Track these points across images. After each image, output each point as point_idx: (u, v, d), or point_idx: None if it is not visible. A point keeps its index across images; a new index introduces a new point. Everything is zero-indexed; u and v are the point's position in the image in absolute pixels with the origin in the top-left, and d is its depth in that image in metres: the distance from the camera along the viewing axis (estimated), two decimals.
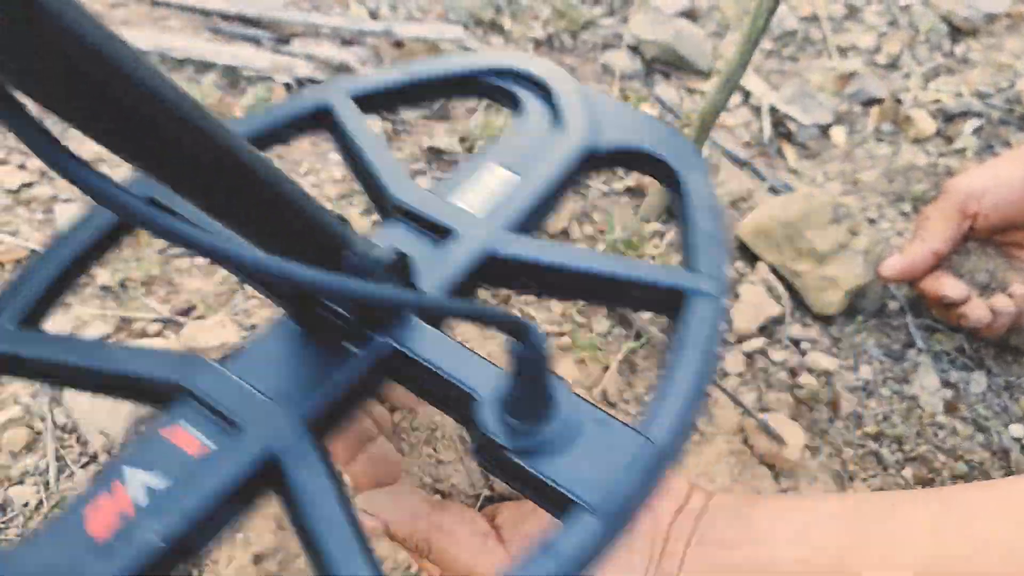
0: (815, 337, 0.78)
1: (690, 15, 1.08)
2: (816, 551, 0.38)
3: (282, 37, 0.97)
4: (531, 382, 0.34)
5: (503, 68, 0.53)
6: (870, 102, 1.02)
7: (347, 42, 0.98)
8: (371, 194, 0.48)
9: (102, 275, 0.72)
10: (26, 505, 0.60)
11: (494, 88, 0.53)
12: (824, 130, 0.98)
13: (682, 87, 1.00)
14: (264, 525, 0.61)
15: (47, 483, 0.62)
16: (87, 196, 0.23)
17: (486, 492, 0.49)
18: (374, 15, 1.04)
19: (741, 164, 0.92)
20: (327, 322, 0.38)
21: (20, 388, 0.65)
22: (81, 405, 0.64)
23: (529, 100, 0.52)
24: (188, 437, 0.35)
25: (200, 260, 0.76)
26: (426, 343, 0.38)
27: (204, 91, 0.87)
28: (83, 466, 0.63)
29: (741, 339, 0.76)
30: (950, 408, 0.74)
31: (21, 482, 0.62)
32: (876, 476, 0.70)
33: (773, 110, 0.97)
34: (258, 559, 0.60)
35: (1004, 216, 0.72)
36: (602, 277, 0.42)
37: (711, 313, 0.40)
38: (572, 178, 0.48)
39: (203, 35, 0.97)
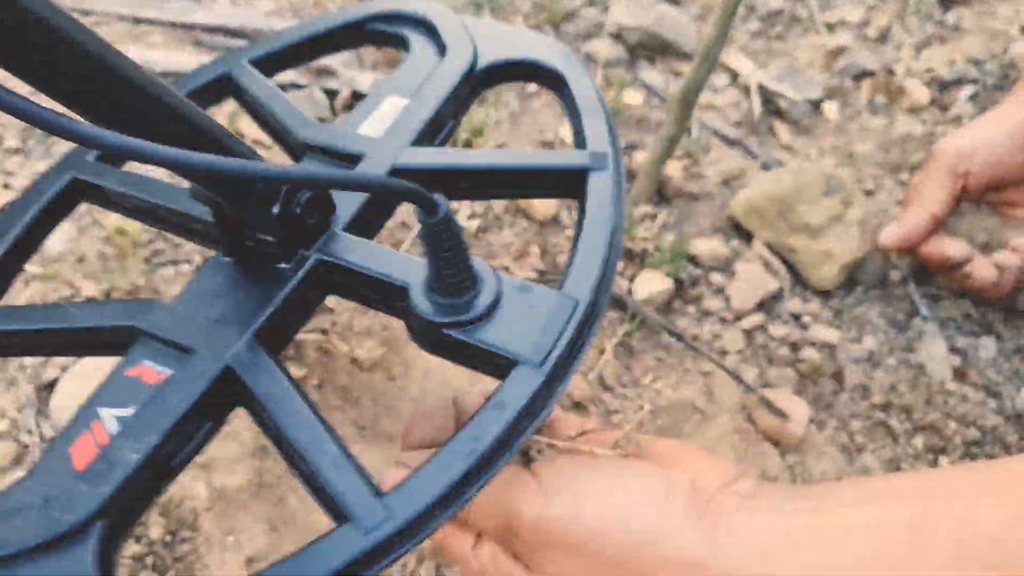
0: (816, 311, 0.76)
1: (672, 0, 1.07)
2: (886, 514, 0.36)
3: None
4: (449, 256, 0.36)
5: (389, 13, 0.56)
6: (861, 75, 1.00)
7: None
8: (282, 143, 0.51)
9: (87, 287, 0.72)
10: None
11: (383, 34, 0.57)
12: (816, 106, 0.97)
13: (668, 71, 0.99)
14: (256, 528, 0.60)
15: None
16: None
17: None
18: None
19: (732, 143, 0.91)
20: (257, 251, 0.41)
21: (7, 403, 0.64)
22: (65, 414, 0.63)
23: (416, 39, 0.55)
24: (147, 370, 0.38)
25: (185, 267, 0.75)
26: (351, 249, 0.41)
27: None
28: None
29: (739, 316, 0.74)
30: (959, 375, 0.72)
31: None
32: (885, 447, 0.68)
33: (762, 89, 0.96)
34: (250, 561, 0.58)
35: (995, 173, 0.70)
36: (504, 170, 0.46)
37: (608, 181, 0.43)
38: (460, 94, 0.52)
39: (186, 49, 0.97)
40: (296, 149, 0.49)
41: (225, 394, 0.38)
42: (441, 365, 0.70)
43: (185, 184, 0.42)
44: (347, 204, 0.44)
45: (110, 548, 0.33)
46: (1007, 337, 0.75)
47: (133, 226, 0.75)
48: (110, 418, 0.36)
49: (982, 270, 0.71)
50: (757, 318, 0.74)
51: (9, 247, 0.46)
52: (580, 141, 0.46)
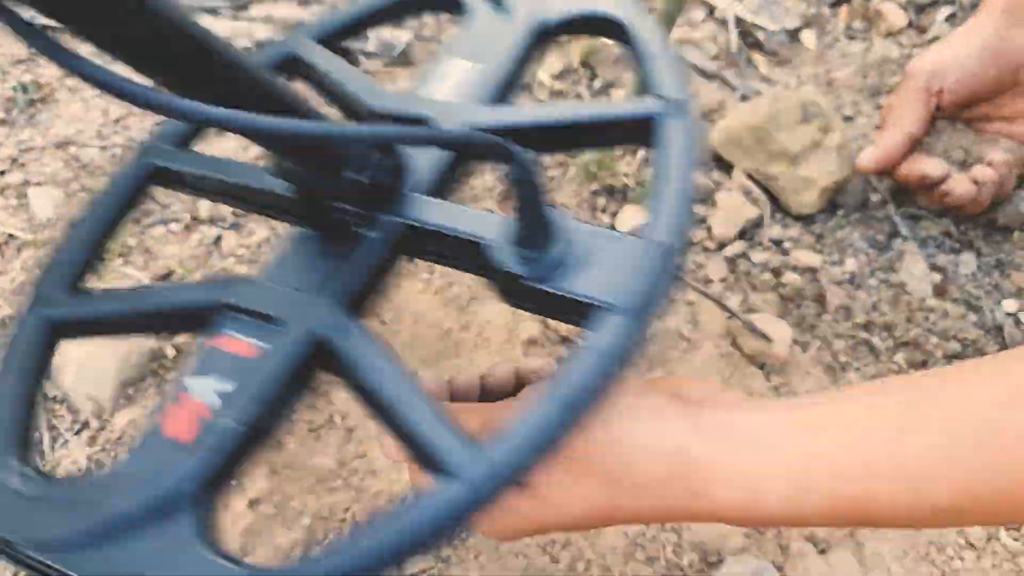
0: (797, 236, 0.77)
1: None
2: (875, 404, 0.35)
3: (239, 3, 0.97)
4: (530, 208, 0.37)
5: None
6: (838, 3, 1.00)
7: (304, 1, 0.97)
8: (353, 115, 0.51)
9: None
10: None
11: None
12: (793, 35, 0.97)
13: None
14: (258, 472, 0.62)
15: (42, 452, 0.62)
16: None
17: None
18: None
19: (711, 77, 0.91)
20: (337, 220, 0.42)
21: None
22: (69, 375, 0.65)
23: (473, 1, 0.54)
24: (238, 343, 0.38)
25: (175, 227, 0.76)
26: (429, 210, 0.42)
27: None
28: (76, 432, 0.64)
29: (722, 245, 0.75)
30: (939, 291, 0.74)
31: None
32: (869, 365, 0.69)
33: (739, 20, 0.96)
34: (253, 504, 0.60)
35: (969, 89, 0.71)
36: (578, 123, 0.45)
37: (683, 127, 0.43)
38: (528, 54, 0.51)
39: None
40: (367, 120, 0.49)
41: (317, 361, 0.38)
42: (430, 309, 0.72)
43: (258, 161, 0.42)
44: (423, 167, 0.44)
45: (211, 515, 0.34)
46: (986, 252, 0.77)
47: None
48: (208, 391, 0.37)
49: (960, 186, 0.71)
50: (739, 246, 0.75)
51: (94, 244, 0.47)
52: (650, 89, 0.46)
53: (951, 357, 0.69)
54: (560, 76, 0.91)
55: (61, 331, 0.43)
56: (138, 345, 0.65)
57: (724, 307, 0.70)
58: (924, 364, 0.69)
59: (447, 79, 0.50)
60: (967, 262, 0.76)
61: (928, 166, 0.72)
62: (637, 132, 0.44)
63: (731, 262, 0.75)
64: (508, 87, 0.50)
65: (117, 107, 0.85)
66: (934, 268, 0.75)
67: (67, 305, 0.43)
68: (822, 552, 0.58)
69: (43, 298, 0.44)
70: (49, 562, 0.32)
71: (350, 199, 0.41)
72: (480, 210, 0.41)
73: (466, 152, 0.46)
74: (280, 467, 0.63)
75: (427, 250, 0.43)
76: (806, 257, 0.75)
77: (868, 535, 0.59)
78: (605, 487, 0.37)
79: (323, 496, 0.62)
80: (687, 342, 0.70)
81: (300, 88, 0.43)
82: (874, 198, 0.80)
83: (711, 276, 0.73)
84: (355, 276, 0.40)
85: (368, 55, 0.91)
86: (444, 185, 0.46)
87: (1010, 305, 0.73)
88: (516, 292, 0.39)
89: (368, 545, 0.31)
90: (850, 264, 0.75)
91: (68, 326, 0.43)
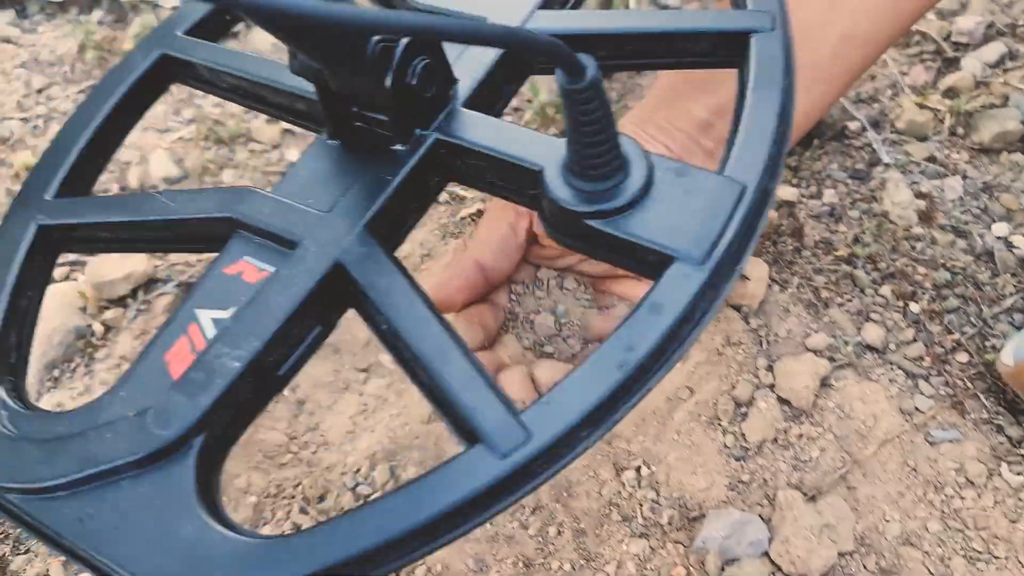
0: None
1: None
2: None
3: None
4: (594, 132, 0.31)
5: None
6: None
7: None
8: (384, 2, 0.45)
9: None
10: None
11: None
12: None
13: None
14: None
15: None
16: None
17: None
18: None
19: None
20: (368, 131, 0.37)
21: None
22: None
23: None
24: (248, 267, 0.34)
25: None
26: (474, 127, 0.36)
27: (89, 29, 0.81)
28: None
29: None
30: (925, 218, 0.69)
31: None
32: (853, 299, 0.65)
33: None
34: None
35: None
36: (653, 34, 0.38)
37: (776, 45, 0.36)
38: None
39: None
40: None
41: (335, 294, 0.34)
42: None
43: (285, 59, 0.37)
44: (468, 75, 0.39)
45: (210, 464, 0.30)
46: (972, 176, 0.72)
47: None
48: (207, 321, 0.33)
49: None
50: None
51: (93, 135, 0.42)
52: (739, 2, 0.40)
53: (941, 287, 0.65)
54: None
55: (53, 239, 0.39)
56: (62, 323, 0.60)
57: None
58: (912, 296, 0.64)
59: None
60: (953, 187, 0.71)
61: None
62: (726, 49, 0.38)
63: None
64: None
65: (40, 78, 0.79)
66: (919, 195, 0.71)
67: (58, 210, 0.39)
68: (811, 499, 0.54)
69: (29, 201, 0.39)
70: (31, 512, 0.29)
71: (385, 107, 0.35)
72: (535, 131, 0.35)
73: (520, 57, 0.40)
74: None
75: (470, 174, 0.37)
76: (781, 191, 0.70)
77: (860, 479, 0.55)
78: None
79: (271, 472, 0.57)
80: None
81: None
82: (852, 126, 0.75)
83: None
84: (384, 198, 0.35)
85: None
86: (489, 99, 0.40)
87: (1000, 228, 0.68)
88: (572, 231, 0.33)
89: (387, 518, 0.27)
90: (829, 196, 0.71)
91: (59, 232, 0.39)
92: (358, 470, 0.57)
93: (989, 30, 0.83)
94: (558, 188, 0.32)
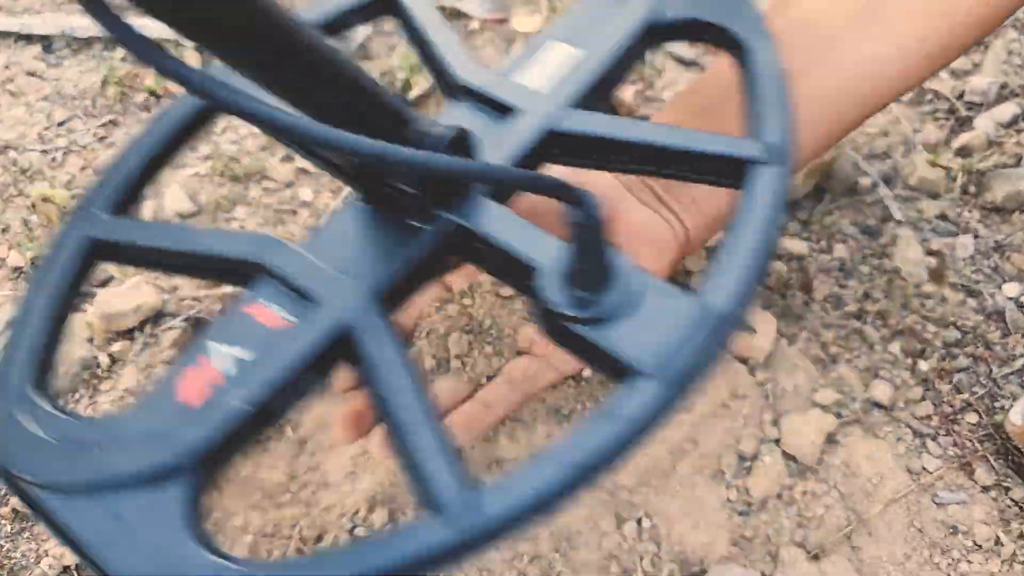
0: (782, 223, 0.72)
1: None
2: None
3: None
4: (589, 251, 0.34)
5: None
6: None
7: None
8: (436, 76, 0.48)
9: (12, 257, 0.68)
10: None
11: None
12: None
13: None
14: None
15: None
16: (176, 83, 0.26)
17: None
18: None
19: (688, 65, 0.87)
20: (395, 200, 0.40)
21: None
22: None
23: None
24: (269, 313, 0.37)
25: None
26: (490, 219, 0.40)
27: (113, 65, 0.83)
28: None
29: None
30: (936, 276, 0.69)
31: None
32: (861, 355, 0.64)
33: None
34: None
35: None
36: (664, 148, 0.42)
37: (774, 182, 0.39)
38: (635, 50, 0.49)
39: None
40: (451, 88, 0.47)
41: (339, 351, 0.37)
42: None
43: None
44: (493, 160, 0.43)
45: (199, 492, 0.33)
46: (984, 235, 0.72)
47: (58, 193, 0.71)
48: (223, 357, 0.36)
49: None
50: (720, 233, 0.70)
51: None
52: (752, 125, 0.42)
53: (950, 345, 0.64)
54: None
55: (101, 251, 0.42)
56: (68, 353, 0.60)
57: None
58: (922, 353, 0.64)
59: (545, 63, 0.47)
60: (964, 245, 0.71)
61: None
62: (727, 171, 0.41)
63: (712, 251, 0.70)
64: (608, 81, 0.47)
65: (62, 111, 0.80)
66: (930, 253, 0.70)
67: (104, 228, 0.43)
68: (815, 558, 0.53)
69: (86, 217, 0.43)
70: (51, 507, 0.32)
71: (410, 182, 0.39)
72: (542, 231, 0.39)
73: (541, 156, 0.44)
74: (223, 481, 0.58)
75: (478, 257, 0.41)
76: (792, 244, 0.70)
77: (865, 538, 0.54)
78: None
79: (269, 511, 0.56)
80: None
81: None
82: (864, 181, 0.75)
83: (691, 268, 0.69)
84: (397, 269, 0.39)
85: None
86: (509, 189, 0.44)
87: (1011, 289, 0.68)
88: (555, 329, 0.37)
89: (336, 570, 0.29)
90: (839, 251, 0.70)
91: (108, 247, 0.42)
92: (356, 512, 0.56)
93: (1003, 90, 0.83)
94: (549, 289, 0.36)
